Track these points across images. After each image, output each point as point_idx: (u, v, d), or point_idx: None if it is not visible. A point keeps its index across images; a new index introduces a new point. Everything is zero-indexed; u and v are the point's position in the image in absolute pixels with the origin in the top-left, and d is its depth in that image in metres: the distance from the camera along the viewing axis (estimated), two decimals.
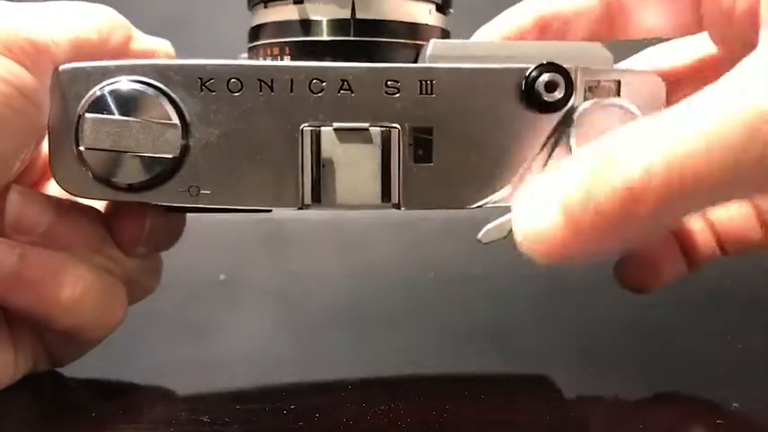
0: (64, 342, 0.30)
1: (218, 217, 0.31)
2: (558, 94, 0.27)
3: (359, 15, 0.29)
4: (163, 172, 0.26)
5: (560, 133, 0.27)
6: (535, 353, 0.36)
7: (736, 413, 0.28)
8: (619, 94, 0.27)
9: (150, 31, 0.31)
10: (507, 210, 0.27)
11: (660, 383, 0.32)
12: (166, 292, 0.34)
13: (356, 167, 0.27)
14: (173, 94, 0.26)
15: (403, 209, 0.27)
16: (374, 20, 0.29)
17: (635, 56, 0.34)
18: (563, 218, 0.23)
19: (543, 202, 0.23)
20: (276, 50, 0.29)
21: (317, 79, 0.27)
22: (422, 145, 0.27)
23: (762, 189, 0.23)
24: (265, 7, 0.30)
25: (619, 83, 0.27)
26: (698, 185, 0.22)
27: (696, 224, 0.33)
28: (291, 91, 0.27)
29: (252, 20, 0.31)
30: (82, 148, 0.26)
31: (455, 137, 0.27)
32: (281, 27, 0.29)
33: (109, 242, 0.29)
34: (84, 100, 0.26)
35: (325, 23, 0.29)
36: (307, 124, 0.27)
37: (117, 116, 0.26)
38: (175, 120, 0.26)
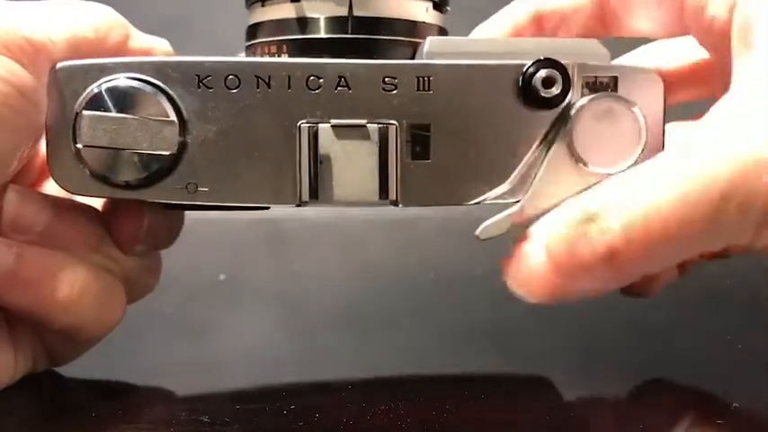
0: (63, 341, 0.30)
1: (217, 217, 0.31)
2: (556, 90, 0.27)
3: (356, 13, 0.29)
4: (160, 169, 0.26)
5: (558, 129, 0.27)
6: (535, 353, 0.36)
7: (736, 413, 0.28)
8: (616, 91, 0.27)
9: (149, 31, 0.31)
10: (506, 206, 0.27)
11: (660, 383, 0.32)
12: (166, 291, 0.34)
13: (354, 164, 0.26)
14: (170, 91, 0.26)
15: (401, 205, 0.27)
16: (371, 17, 0.29)
17: (631, 53, 0.34)
18: (549, 265, 0.25)
19: (531, 247, 0.26)
20: (274, 48, 0.29)
21: (314, 76, 0.26)
22: (419, 142, 0.27)
23: (741, 239, 0.24)
24: (263, 6, 0.30)
25: (616, 79, 0.27)
26: (676, 243, 0.24)
27: None
28: (289, 87, 0.26)
29: (249, 18, 0.31)
30: (79, 145, 0.26)
31: (452, 133, 0.27)
32: (279, 25, 0.29)
33: (107, 241, 0.29)
34: (81, 97, 0.26)
35: (322, 21, 0.29)
36: (304, 121, 0.26)
37: (114, 113, 0.26)
38: (173, 117, 0.26)
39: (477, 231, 0.27)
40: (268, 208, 0.28)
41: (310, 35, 0.29)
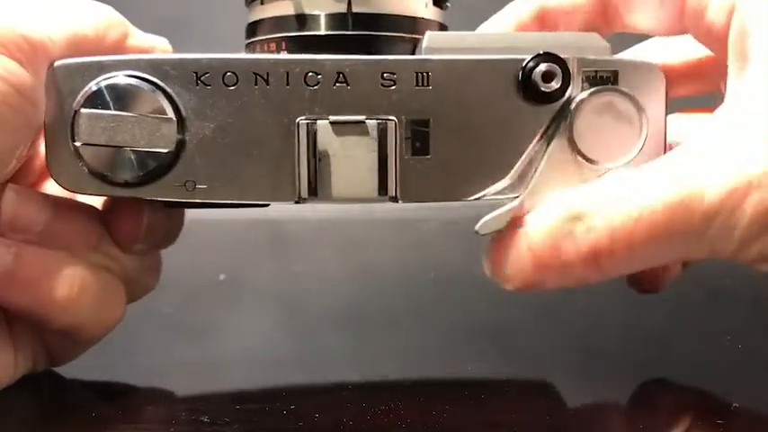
0: (63, 341, 0.30)
1: (217, 217, 0.31)
2: (555, 85, 0.26)
3: (355, 9, 0.28)
4: (159, 167, 0.26)
5: (558, 124, 0.27)
6: (535, 353, 0.36)
7: (736, 413, 0.28)
8: (617, 85, 0.27)
9: (149, 31, 0.31)
10: (505, 201, 0.27)
11: (660, 383, 0.32)
12: (166, 292, 0.34)
13: (353, 161, 0.26)
14: (168, 89, 0.26)
15: (400, 202, 0.27)
16: (371, 13, 0.29)
17: (634, 47, 0.34)
18: (530, 258, 0.26)
19: (514, 239, 0.26)
20: (273, 46, 0.29)
21: (312, 72, 0.26)
22: (419, 137, 0.27)
23: (724, 251, 0.25)
24: (262, 3, 0.30)
25: (617, 73, 0.27)
26: (659, 249, 0.25)
27: None
28: (287, 84, 0.26)
29: (249, 16, 0.30)
30: (78, 143, 0.26)
31: (452, 129, 0.27)
32: (278, 22, 0.29)
33: (107, 240, 0.29)
34: (79, 95, 0.26)
35: (321, 18, 0.29)
36: (303, 117, 0.26)
37: (112, 111, 0.26)
38: (171, 114, 0.26)
39: (477, 227, 0.27)
40: (267, 205, 0.28)
41: (309, 32, 0.29)
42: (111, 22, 0.29)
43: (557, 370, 0.33)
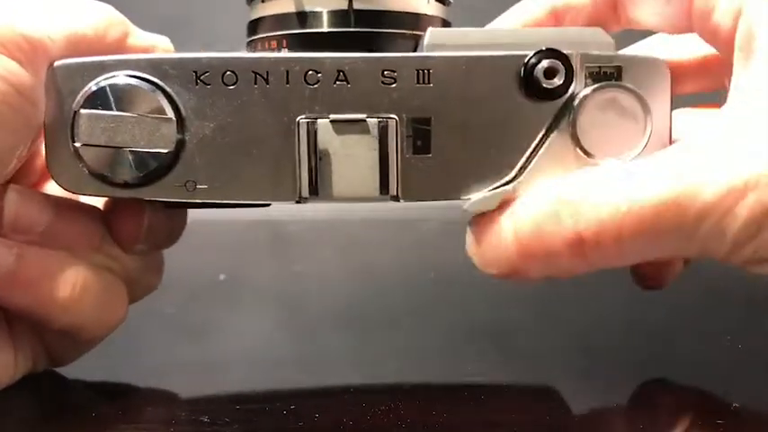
0: (64, 341, 0.30)
1: (218, 218, 0.31)
2: (558, 81, 0.26)
3: (356, 6, 0.28)
4: (159, 167, 0.26)
5: (561, 121, 0.26)
6: (535, 353, 0.36)
7: (736, 413, 0.28)
8: (621, 80, 0.26)
9: (150, 30, 0.31)
10: None
11: (660, 383, 0.32)
12: (167, 292, 0.34)
13: (354, 159, 0.26)
14: (168, 89, 0.26)
15: (402, 201, 0.27)
16: (372, 10, 0.28)
17: (639, 42, 0.34)
18: (514, 245, 0.25)
19: (499, 223, 0.26)
20: (274, 44, 0.29)
21: (312, 70, 0.26)
22: (420, 135, 0.27)
23: (717, 252, 0.25)
24: (263, 1, 0.29)
25: (620, 68, 0.27)
26: (647, 244, 0.25)
27: None
28: (287, 83, 0.26)
29: (250, 14, 0.30)
30: (78, 144, 0.26)
31: (454, 127, 0.27)
32: (279, 20, 0.29)
33: (108, 240, 0.29)
34: (79, 96, 0.26)
35: (322, 15, 0.29)
36: (303, 116, 0.26)
37: (112, 111, 0.26)
38: (171, 114, 0.26)
39: (466, 206, 0.27)
40: (269, 205, 0.28)
41: (310, 29, 0.29)
42: (112, 22, 0.28)
43: (557, 370, 0.33)
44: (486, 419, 0.28)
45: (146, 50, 0.30)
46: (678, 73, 0.29)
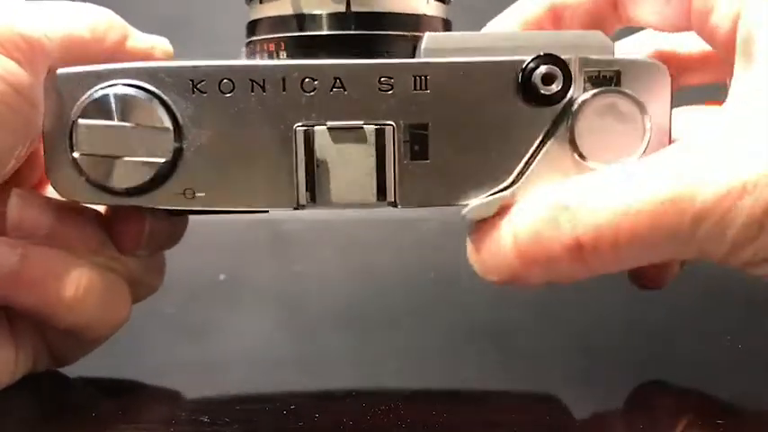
0: (68, 341, 0.30)
1: (218, 218, 0.31)
2: (556, 87, 0.26)
3: (354, 8, 0.28)
4: (157, 176, 0.26)
5: (559, 126, 0.26)
6: (535, 353, 0.36)
7: (737, 413, 0.28)
8: (620, 85, 0.26)
9: (150, 31, 0.31)
10: None
11: (660, 384, 0.32)
12: (167, 292, 0.34)
13: (351, 166, 0.26)
14: (165, 97, 0.26)
15: (399, 207, 0.27)
16: (370, 12, 0.28)
17: (636, 35, 0.33)
18: (514, 250, 0.25)
19: (498, 229, 0.26)
20: (272, 46, 0.29)
21: (309, 77, 0.26)
22: (417, 141, 0.26)
23: (714, 255, 0.24)
24: (261, 2, 0.29)
25: (619, 73, 0.26)
26: (645, 247, 0.24)
27: None
28: (284, 90, 0.26)
29: (249, 15, 0.30)
30: (76, 154, 0.26)
31: (451, 133, 0.26)
32: (277, 22, 0.29)
33: (109, 244, 0.29)
34: (77, 105, 0.26)
35: (320, 18, 0.28)
36: (300, 124, 0.26)
37: (109, 121, 0.26)
38: (168, 123, 0.26)
39: (464, 211, 0.26)
40: (267, 211, 0.28)
41: (308, 32, 0.28)
42: (110, 25, 0.28)
43: (556, 370, 0.33)
44: (486, 419, 0.28)
45: (145, 53, 0.30)
46: (678, 65, 0.29)
